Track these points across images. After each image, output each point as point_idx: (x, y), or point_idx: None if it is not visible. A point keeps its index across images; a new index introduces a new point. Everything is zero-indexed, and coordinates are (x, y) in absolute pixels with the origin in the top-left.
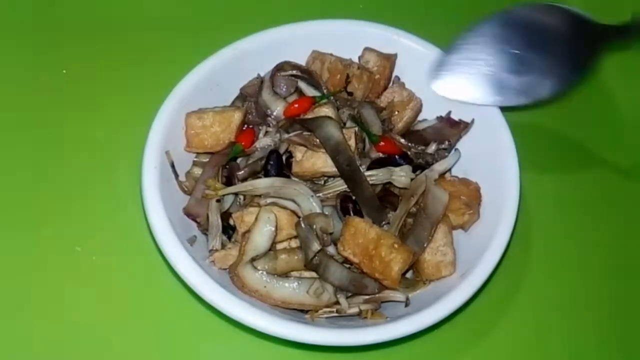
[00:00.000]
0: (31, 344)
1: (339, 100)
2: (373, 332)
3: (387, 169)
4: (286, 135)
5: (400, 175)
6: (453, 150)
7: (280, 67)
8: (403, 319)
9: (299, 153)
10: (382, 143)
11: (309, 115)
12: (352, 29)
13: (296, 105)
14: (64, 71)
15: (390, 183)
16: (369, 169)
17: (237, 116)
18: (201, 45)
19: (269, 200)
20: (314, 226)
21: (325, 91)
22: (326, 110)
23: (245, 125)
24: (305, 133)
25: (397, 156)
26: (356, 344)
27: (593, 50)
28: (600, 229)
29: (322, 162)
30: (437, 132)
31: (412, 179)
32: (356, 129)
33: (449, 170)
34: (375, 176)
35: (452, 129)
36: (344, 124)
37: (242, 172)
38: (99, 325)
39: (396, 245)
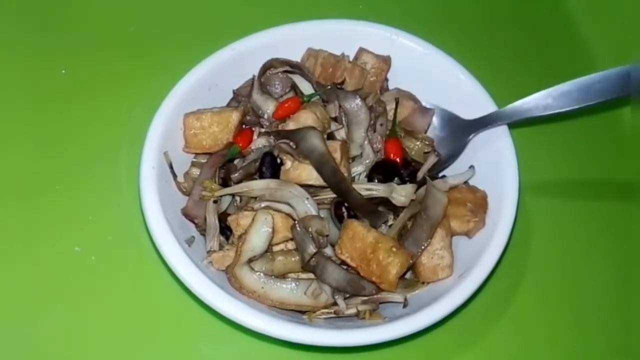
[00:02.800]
0: (30, 343)
1: (326, 94)
2: (371, 332)
3: (388, 185)
4: (275, 142)
5: (401, 195)
6: (468, 167)
7: (269, 65)
8: (401, 320)
9: (288, 161)
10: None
11: (294, 117)
12: (351, 28)
13: (286, 105)
14: (64, 71)
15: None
16: (369, 179)
17: (234, 116)
18: (199, 46)
19: (263, 204)
20: (310, 229)
21: (315, 86)
22: (307, 116)
23: (244, 125)
24: (291, 143)
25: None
26: (354, 345)
27: (464, 138)
28: (600, 230)
29: (306, 174)
30: (409, 125)
31: (412, 200)
32: (341, 141)
33: None
34: (375, 190)
35: (423, 118)
36: (333, 120)
37: (237, 174)
38: (97, 326)
39: (394, 249)
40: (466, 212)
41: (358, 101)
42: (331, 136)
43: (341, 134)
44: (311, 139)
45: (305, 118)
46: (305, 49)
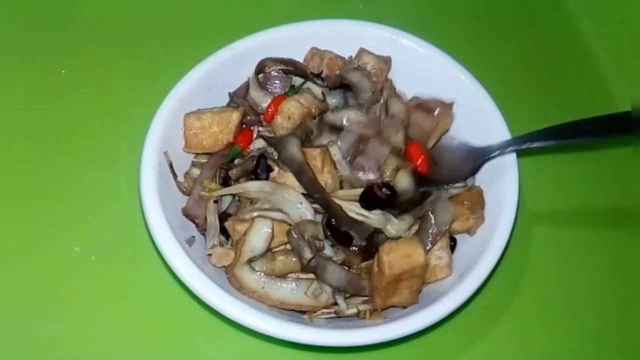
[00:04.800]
0: (30, 343)
1: (326, 80)
2: (371, 332)
3: (384, 215)
4: (265, 147)
5: (394, 229)
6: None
7: (263, 65)
8: (401, 320)
9: (276, 167)
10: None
11: (279, 110)
12: (351, 29)
13: (270, 111)
14: (64, 71)
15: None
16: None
17: (235, 116)
18: (200, 46)
19: (255, 214)
20: (305, 234)
21: (310, 79)
22: (289, 105)
23: (244, 125)
24: (274, 153)
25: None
26: (354, 345)
27: (479, 164)
28: (600, 230)
29: (290, 182)
30: (417, 128)
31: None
32: (322, 148)
33: None
34: (370, 218)
35: (427, 119)
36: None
37: (234, 171)
38: (97, 325)
39: (414, 288)
40: (464, 211)
41: (358, 72)
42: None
43: (339, 117)
44: (290, 148)
45: (289, 107)
46: (306, 49)
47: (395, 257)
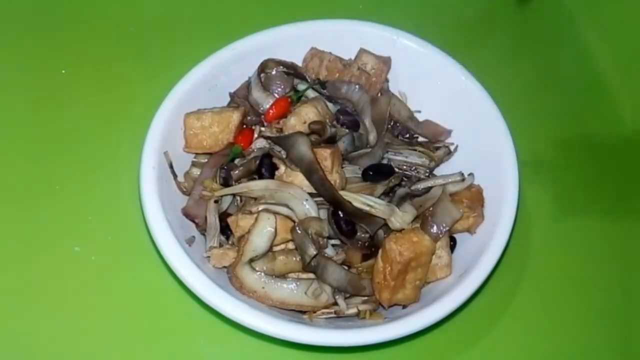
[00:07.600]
0: (30, 343)
1: (327, 88)
2: (371, 332)
3: (389, 206)
4: (270, 147)
5: (398, 221)
6: (467, 175)
7: (265, 65)
8: (401, 320)
9: (282, 166)
10: None
11: (295, 112)
12: (351, 28)
13: (272, 112)
14: (64, 71)
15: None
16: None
17: (235, 116)
18: (200, 46)
19: (261, 207)
20: (309, 231)
21: (310, 81)
22: (308, 110)
23: (244, 125)
24: (282, 151)
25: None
26: (354, 345)
27: None
28: (601, 229)
29: (299, 181)
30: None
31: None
32: (333, 148)
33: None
34: (376, 209)
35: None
36: (337, 121)
37: (237, 171)
38: (97, 325)
39: (418, 282)
40: (464, 209)
41: (356, 87)
42: (332, 138)
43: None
44: (300, 147)
45: (307, 112)
46: (306, 49)
47: (404, 244)
